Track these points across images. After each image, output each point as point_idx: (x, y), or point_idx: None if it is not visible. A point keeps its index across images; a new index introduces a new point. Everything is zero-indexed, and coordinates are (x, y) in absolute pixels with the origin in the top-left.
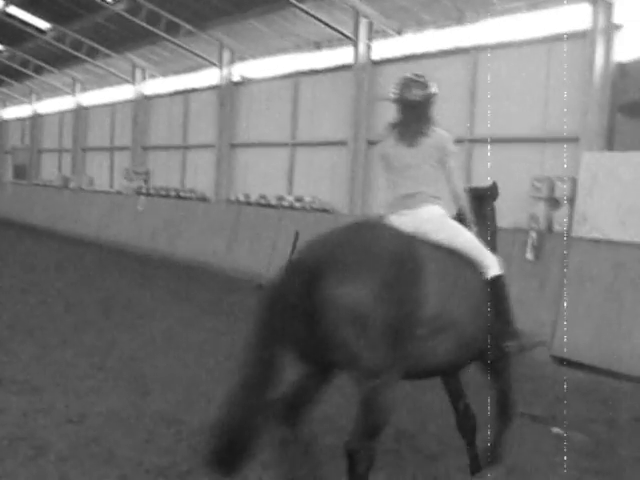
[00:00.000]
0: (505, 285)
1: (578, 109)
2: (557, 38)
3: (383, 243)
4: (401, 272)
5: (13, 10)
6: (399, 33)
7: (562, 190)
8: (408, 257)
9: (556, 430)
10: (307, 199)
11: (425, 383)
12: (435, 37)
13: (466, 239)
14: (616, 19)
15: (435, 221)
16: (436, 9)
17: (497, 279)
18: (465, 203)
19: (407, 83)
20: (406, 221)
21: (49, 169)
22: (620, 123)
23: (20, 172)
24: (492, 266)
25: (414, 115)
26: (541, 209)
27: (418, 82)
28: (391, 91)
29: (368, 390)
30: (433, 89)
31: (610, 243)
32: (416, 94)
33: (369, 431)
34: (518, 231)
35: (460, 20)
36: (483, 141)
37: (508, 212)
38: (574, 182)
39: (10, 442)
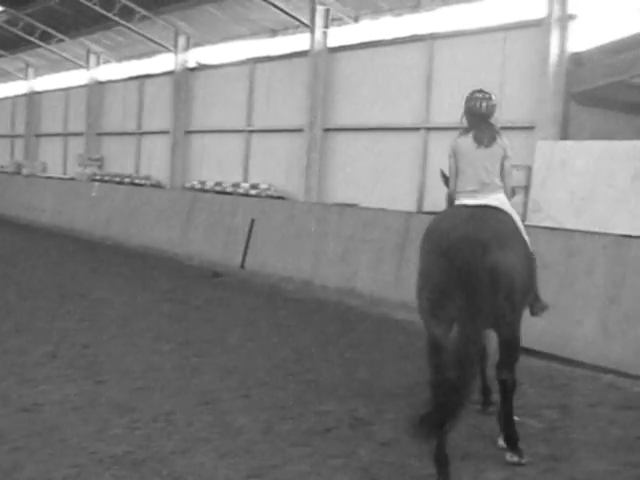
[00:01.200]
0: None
1: (533, 97)
2: (513, 27)
3: (512, 225)
4: (527, 248)
5: None
6: (355, 20)
7: (517, 178)
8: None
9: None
10: (263, 186)
11: (384, 371)
12: (391, 24)
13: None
14: (571, 9)
15: (505, 204)
16: None
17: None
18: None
19: (476, 97)
20: (489, 199)
21: (1, 155)
22: (575, 112)
23: None
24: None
25: (486, 123)
26: None
27: (485, 96)
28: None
29: (510, 334)
30: (495, 102)
31: (564, 231)
32: (484, 106)
33: (511, 363)
34: None
35: (416, 8)
36: (439, 129)
37: None
38: (529, 170)
39: None
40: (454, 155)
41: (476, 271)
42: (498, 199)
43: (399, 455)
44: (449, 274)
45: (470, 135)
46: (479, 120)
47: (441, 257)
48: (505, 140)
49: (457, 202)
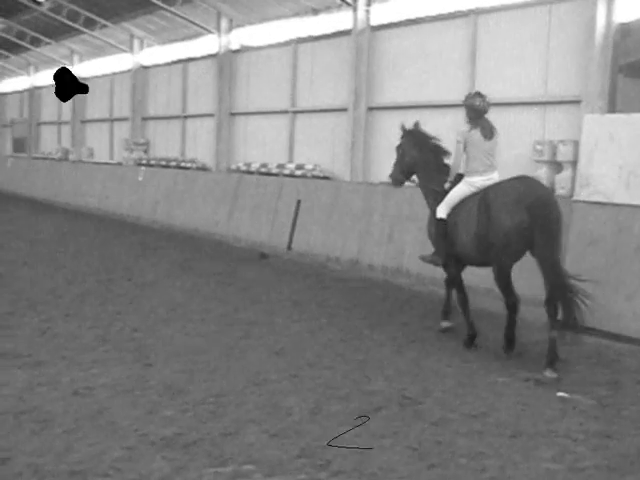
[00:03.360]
0: None
1: (579, 71)
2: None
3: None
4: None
5: None
6: None
7: (564, 153)
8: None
9: (561, 394)
10: (308, 166)
11: (432, 350)
12: (434, 1)
13: None
14: None
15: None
16: None
17: None
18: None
19: (475, 97)
20: (490, 178)
21: (48, 142)
22: (622, 84)
23: (19, 145)
24: None
25: (485, 118)
26: (543, 172)
27: (482, 96)
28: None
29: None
30: (489, 100)
31: (613, 206)
32: (483, 104)
33: (504, 288)
34: None
35: None
36: None
37: (510, 176)
38: (576, 145)
39: (15, 416)
40: (464, 143)
41: (557, 217)
42: (496, 176)
43: (449, 434)
44: (535, 220)
45: (478, 130)
46: (479, 115)
47: (525, 209)
48: (498, 132)
49: (469, 178)
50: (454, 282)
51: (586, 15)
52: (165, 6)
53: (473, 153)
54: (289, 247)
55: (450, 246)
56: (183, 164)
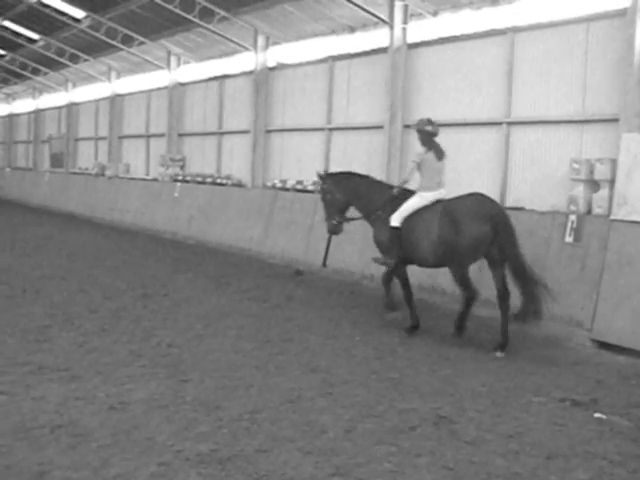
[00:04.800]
0: None
1: (617, 89)
2: (595, 17)
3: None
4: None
5: (48, 0)
6: (434, 15)
7: (601, 172)
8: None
9: (598, 415)
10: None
11: (466, 369)
12: (471, 18)
13: None
14: None
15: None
16: None
17: None
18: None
19: (426, 122)
20: (440, 193)
21: (85, 157)
22: None
23: (57, 160)
24: None
25: (435, 141)
26: (580, 191)
27: (432, 122)
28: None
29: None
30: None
31: None
32: (434, 129)
33: (465, 285)
34: (557, 214)
35: (496, 1)
36: (521, 123)
37: (547, 195)
38: (614, 163)
39: (52, 430)
40: (420, 163)
41: (512, 226)
42: (444, 191)
43: (484, 454)
44: (498, 230)
45: (432, 152)
46: (431, 139)
47: (489, 220)
48: (446, 153)
49: (423, 192)
50: (402, 281)
51: (625, 32)
52: (202, 23)
53: (427, 172)
54: (324, 264)
55: (402, 250)
56: (219, 180)
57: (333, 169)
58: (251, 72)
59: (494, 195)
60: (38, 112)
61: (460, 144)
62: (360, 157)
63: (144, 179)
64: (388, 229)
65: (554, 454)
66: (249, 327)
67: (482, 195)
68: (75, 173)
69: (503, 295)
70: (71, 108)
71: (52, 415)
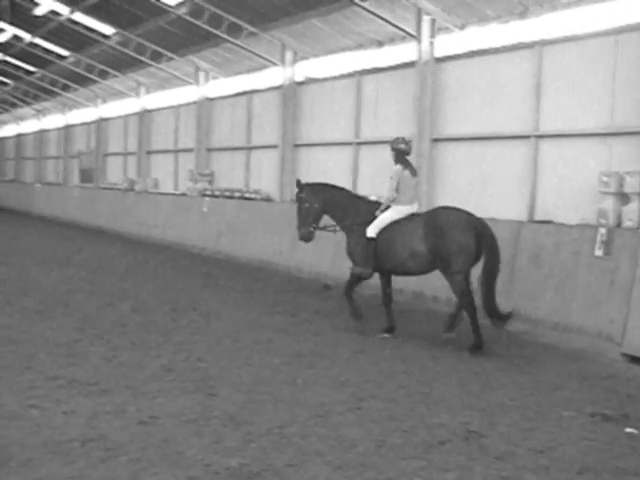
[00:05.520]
0: None
1: None
2: (624, 30)
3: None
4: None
5: (78, 16)
6: (462, 29)
7: (631, 185)
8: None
9: (629, 430)
10: (372, 198)
11: (496, 383)
12: (498, 32)
13: None
14: None
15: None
16: (499, 4)
17: None
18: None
19: (401, 141)
20: (413, 207)
21: (115, 172)
22: None
23: (86, 176)
24: None
25: (408, 160)
26: (610, 204)
27: (406, 141)
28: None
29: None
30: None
31: None
32: (408, 147)
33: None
34: (587, 227)
35: (524, 14)
36: (550, 136)
37: (576, 208)
38: None
39: (82, 444)
40: (398, 180)
41: (495, 239)
42: (417, 205)
43: (514, 469)
44: (481, 240)
45: (408, 169)
46: (404, 157)
47: (474, 229)
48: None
49: (397, 206)
50: (352, 285)
51: None
52: (230, 39)
53: (403, 188)
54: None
55: (376, 260)
56: (247, 195)
57: (362, 183)
58: (279, 87)
59: (523, 209)
60: (68, 128)
61: (488, 158)
62: (387, 171)
63: (173, 194)
64: (363, 240)
65: (585, 469)
66: (278, 341)
67: (455, 208)
68: (104, 188)
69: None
70: (100, 124)
71: (82, 429)
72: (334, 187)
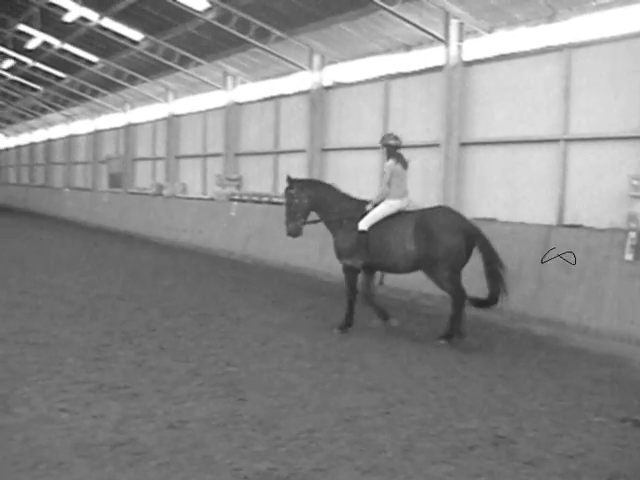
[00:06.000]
0: None
1: None
2: None
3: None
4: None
5: (107, 22)
6: (490, 32)
7: None
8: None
9: None
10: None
11: (525, 388)
12: (527, 35)
13: None
14: None
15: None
16: (528, 7)
17: None
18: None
19: (391, 136)
20: (404, 201)
21: (143, 177)
22: None
23: (115, 181)
24: None
25: (399, 153)
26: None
27: (396, 136)
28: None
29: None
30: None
31: None
32: (398, 142)
33: (453, 280)
34: (616, 231)
35: (552, 17)
36: (580, 140)
37: (605, 212)
38: None
39: (111, 448)
40: (391, 174)
41: (486, 239)
42: (407, 200)
43: (544, 474)
44: (469, 241)
45: (399, 163)
46: (395, 151)
47: (464, 233)
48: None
49: (390, 200)
50: (351, 284)
51: None
52: (258, 44)
53: (396, 181)
54: (381, 282)
55: (368, 255)
56: (275, 199)
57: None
58: (307, 91)
59: (552, 213)
60: (97, 133)
61: (516, 161)
62: (416, 175)
63: (201, 198)
64: (353, 236)
65: (615, 475)
66: (306, 346)
67: (446, 208)
68: (133, 193)
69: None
70: (129, 129)
71: (112, 433)
72: (322, 183)
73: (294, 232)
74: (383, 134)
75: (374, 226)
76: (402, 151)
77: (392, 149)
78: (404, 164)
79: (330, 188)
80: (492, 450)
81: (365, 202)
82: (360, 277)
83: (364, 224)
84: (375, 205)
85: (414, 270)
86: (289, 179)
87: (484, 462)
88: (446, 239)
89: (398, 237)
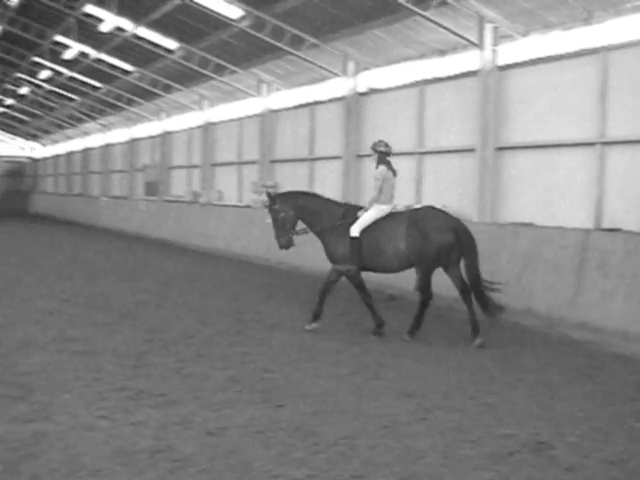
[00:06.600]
0: None
1: None
2: None
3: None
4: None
5: (142, 32)
6: (524, 36)
7: None
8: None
9: None
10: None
11: (564, 394)
12: (562, 38)
13: None
14: None
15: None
16: (563, 10)
17: None
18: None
19: (382, 144)
20: (393, 205)
21: (179, 185)
22: None
23: (151, 189)
24: None
25: (389, 160)
26: None
27: (387, 143)
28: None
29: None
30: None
31: None
32: (389, 149)
33: (426, 288)
34: None
35: (588, 20)
36: (617, 143)
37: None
38: None
39: (151, 455)
40: (383, 179)
41: (473, 240)
42: (397, 205)
43: None
44: (460, 239)
45: (390, 170)
46: (385, 158)
47: (453, 232)
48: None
49: (380, 205)
50: (360, 287)
51: None
52: (292, 51)
53: (386, 187)
54: (417, 288)
55: (361, 258)
56: None
57: (426, 193)
58: (341, 98)
59: (589, 216)
60: (133, 142)
61: (553, 165)
62: (452, 180)
63: (237, 206)
64: (345, 241)
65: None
66: (343, 352)
67: (438, 208)
68: (169, 201)
69: (465, 289)
70: (165, 137)
71: (151, 440)
72: (305, 193)
73: (286, 245)
74: (375, 141)
75: (365, 230)
76: (429, 157)
77: (383, 156)
78: (393, 172)
79: (313, 196)
80: (532, 456)
81: (351, 206)
82: (329, 272)
83: (355, 230)
84: (366, 211)
85: (407, 269)
86: (269, 195)
87: (524, 468)
88: (437, 238)
89: (390, 238)
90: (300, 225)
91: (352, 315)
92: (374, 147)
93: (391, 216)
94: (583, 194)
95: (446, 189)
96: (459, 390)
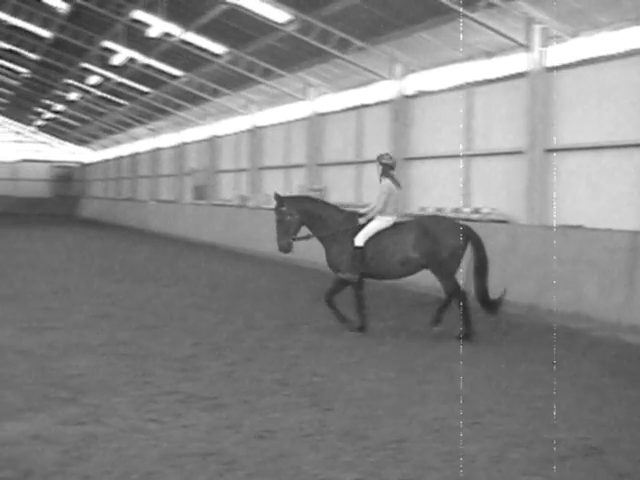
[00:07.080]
0: None
1: None
2: None
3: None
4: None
5: (190, 37)
6: (573, 36)
7: None
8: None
9: None
10: (485, 210)
11: (616, 398)
12: (611, 39)
13: None
14: None
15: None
16: (612, 10)
17: None
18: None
19: (387, 157)
20: (395, 217)
21: (227, 189)
22: None
23: (199, 193)
24: None
25: (393, 173)
26: None
27: (392, 156)
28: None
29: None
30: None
31: None
32: (393, 162)
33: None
34: None
35: (638, 20)
36: None
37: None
38: None
39: (202, 457)
40: (389, 192)
41: (480, 240)
42: (397, 215)
43: None
44: (468, 244)
45: (395, 183)
46: (389, 171)
47: (462, 235)
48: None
49: (384, 217)
50: (359, 294)
51: None
52: (339, 54)
53: (391, 200)
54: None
55: (364, 266)
56: (360, 210)
57: (474, 195)
58: (388, 101)
59: (638, 218)
60: (181, 146)
61: (602, 167)
62: (501, 183)
63: None
64: (348, 249)
65: None
66: (392, 356)
67: (443, 215)
68: (217, 205)
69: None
70: (213, 141)
71: (201, 443)
72: (312, 199)
73: (286, 248)
74: (380, 153)
75: (370, 240)
76: (477, 159)
77: (387, 168)
78: (397, 184)
79: (320, 203)
80: (583, 461)
81: (351, 212)
82: (333, 280)
83: (360, 240)
84: (369, 220)
85: (411, 275)
86: (278, 197)
87: (576, 473)
88: (450, 241)
89: (399, 247)
90: (303, 231)
91: (401, 319)
92: (379, 159)
93: (397, 226)
94: (634, 196)
95: (494, 192)
96: (509, 394)
